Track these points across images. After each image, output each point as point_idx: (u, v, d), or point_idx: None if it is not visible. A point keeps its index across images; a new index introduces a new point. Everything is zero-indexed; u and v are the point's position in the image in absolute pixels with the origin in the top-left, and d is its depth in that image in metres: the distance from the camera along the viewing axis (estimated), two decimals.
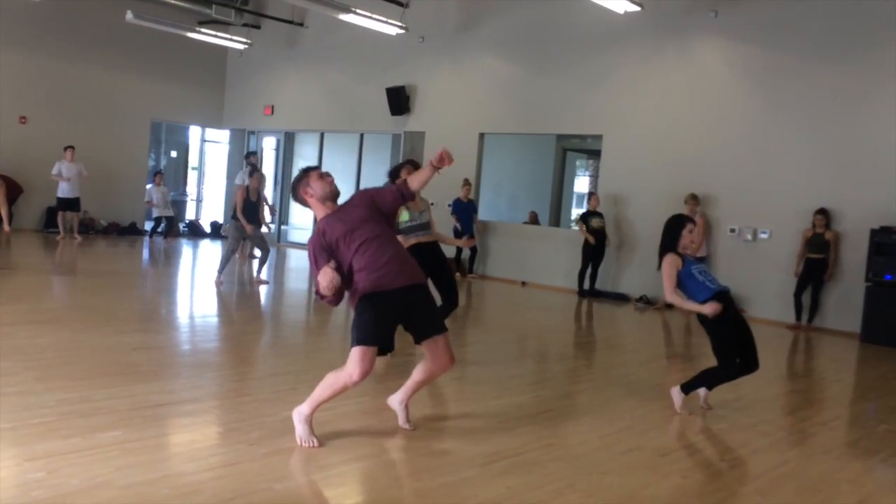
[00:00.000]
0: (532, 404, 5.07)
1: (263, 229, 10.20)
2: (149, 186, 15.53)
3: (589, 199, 11.68)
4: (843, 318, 9.46)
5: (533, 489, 3.53)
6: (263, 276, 10.26)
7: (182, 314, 8.14)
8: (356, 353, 3.78)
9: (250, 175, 10.45)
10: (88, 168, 13.95)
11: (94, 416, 4.01)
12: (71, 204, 13.73)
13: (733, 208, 10.47)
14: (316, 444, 3.83)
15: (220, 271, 9.65)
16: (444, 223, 13.14)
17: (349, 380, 3.79)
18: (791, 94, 9.98)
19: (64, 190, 13.60)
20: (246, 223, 9.69)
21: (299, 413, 3.92)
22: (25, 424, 3.78)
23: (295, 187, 4.04)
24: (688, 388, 5.08)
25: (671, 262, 5.10)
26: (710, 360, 6.43)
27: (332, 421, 4.27)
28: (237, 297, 9.54)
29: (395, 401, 4.34)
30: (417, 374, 4.24)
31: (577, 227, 11.96)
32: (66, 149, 13.70)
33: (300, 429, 3.89)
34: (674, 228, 5.22)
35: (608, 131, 11.75)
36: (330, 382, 3.88)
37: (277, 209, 17.41)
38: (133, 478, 3.26)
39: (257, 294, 9.64)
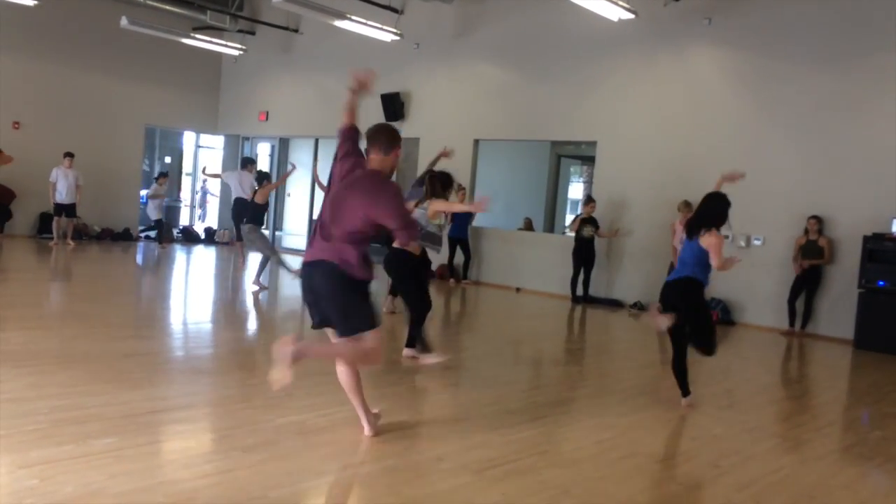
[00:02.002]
0: (527, 410, 5.07)
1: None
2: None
3: (586, 203, 11.65)
4: (837, 324, 9.49)
5: (528, 496, 3.53)
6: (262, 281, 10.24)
7: (175, 320, 8.12)
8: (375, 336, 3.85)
9: (259, 182, 10.52)
10: (82, 173, 13.89)
11: (88, 423, 3.99)
12: (67, 209, 13.69)
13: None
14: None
15: (259, 275, 10.04)
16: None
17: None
18: (784, 100, 10.03)
19: (61, 195, 13.56)
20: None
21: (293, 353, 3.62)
22: (19, 431, 3.76)
23: (396, 139, 4.06)
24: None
25: (721, 239, 5.34)
26: (701, 367, 6.46)
27: (327, 428, 4.26)
28: (231, 302, 9.51)
29: (365, 427, 4.16)
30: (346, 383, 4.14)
31: (571, 233, 11.97)
32: (65, 156, 13.67)
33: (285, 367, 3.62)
34: (724, 207, 5.53)
35: (602, 137, 11.79)
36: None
37: (272, 213, 17.45)
38: (127, 485, 3.24)
39: (252, 299, 9.62)
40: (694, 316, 5.30)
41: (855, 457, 4.71)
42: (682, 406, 5.42)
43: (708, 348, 5.33)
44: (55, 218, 13.71)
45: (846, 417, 6.01)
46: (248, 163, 13.67)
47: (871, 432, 5.43)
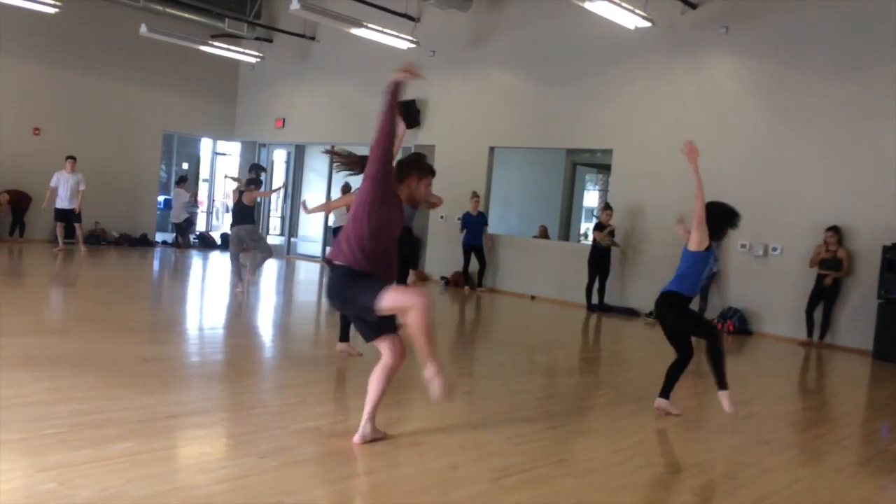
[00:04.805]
0: (542, 419, 5.05)
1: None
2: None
3: (603, 210, 11.60)
4: (856, 335, 9.40)
5: None
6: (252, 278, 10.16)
7: (192, 325, 8.16)
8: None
9: (248, 185, 10.01)
10: (101, 179, 14.01)
11: (105, 427, 4.02)
12: (65, 215, 13.36)
13: (744, 224, 10.20)
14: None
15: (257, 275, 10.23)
16: (453, 236, 13.21)
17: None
18: (802, 109, 9.96)
19: (61, 201, 13.28)
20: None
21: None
22: (37, 435, 3.79)
23: (414, 168, 4.31)
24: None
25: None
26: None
27: (342, 434, 4.26)
28: (247, 308, 9.56)
29: (358, 434, 4.14)
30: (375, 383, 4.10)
31: (588, 241, 11.95)
32: (66, 159, 13.41)
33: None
34: (728, 220, 5.74)
35: (618, 146, 11.76)
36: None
37: (287, 220, 17.54)
38: (144, 490, 3.26)
39: (269, 305, 9.64)
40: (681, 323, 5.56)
41: (874, 469, 4.66)
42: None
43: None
44: (57, 224, 13.46)
45: (865, 429, 5.94)
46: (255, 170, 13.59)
47: (890, 444, 5.37)
